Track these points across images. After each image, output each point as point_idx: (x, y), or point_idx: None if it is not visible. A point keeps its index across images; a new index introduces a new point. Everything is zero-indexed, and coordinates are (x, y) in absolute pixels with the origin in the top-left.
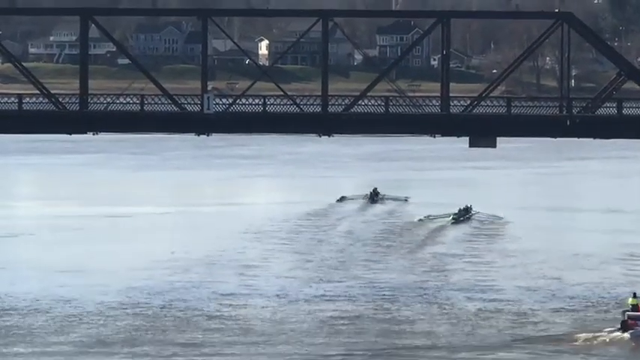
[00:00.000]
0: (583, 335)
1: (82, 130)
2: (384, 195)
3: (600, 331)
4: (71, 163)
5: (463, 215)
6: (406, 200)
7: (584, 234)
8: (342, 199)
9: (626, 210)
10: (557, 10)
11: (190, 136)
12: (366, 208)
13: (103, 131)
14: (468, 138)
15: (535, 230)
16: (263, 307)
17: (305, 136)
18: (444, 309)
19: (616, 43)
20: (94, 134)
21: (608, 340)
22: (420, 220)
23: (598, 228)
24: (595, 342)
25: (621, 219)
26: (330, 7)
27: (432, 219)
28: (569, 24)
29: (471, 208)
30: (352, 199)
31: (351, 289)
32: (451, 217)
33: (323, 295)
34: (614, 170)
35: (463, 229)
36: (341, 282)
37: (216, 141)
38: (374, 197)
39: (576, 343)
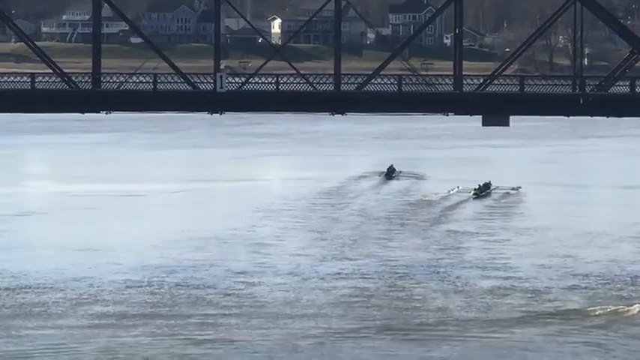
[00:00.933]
0: (597, 310)
1: (95, 109)
2: (401, 172)
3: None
4: (86, 142)
5: (484, 190)
6: (422, 177)
7: (598, 211)
8: (360, 176)
9: (638, 188)
10: None
11: (205, 115)
12: (382, 185)
13: (116, 110)
14: (480, 116)
15: (549, 208)
16: (277, 285)
17: (318, 114)
18: (458, 286)
19: (629, 22)
20: (106, 113)
21: (622, 315)
22: (442, 195)
23: (612, 206)
24: (609, 317)
25: (635, 197)
26: None
27: (454, 193)
28: (582, 2)
29: (490, 184)
30: (369, 175)
31: (366, 266)
32: (472, 193)
33: (338, 273)
34: (628, 148)
35: (477, 206)
36: (356, 259)
37: (232, 120)
38: (390, 174)
39: (590, 319)
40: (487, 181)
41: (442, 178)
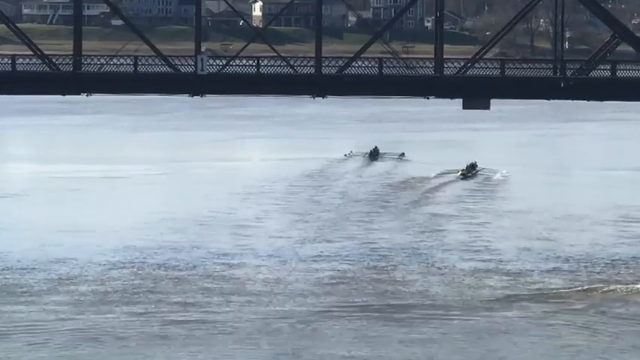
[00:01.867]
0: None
1: (76, 91)
2: (385, 153)
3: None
4: (68, 124)
5: (470, 171)
6: (406, 158)
7: (580, 195)
8: (344, 156)
9: (620, 171)
10: None
11: (188, 97)
12: (366, 166)
13: (97, 92)
14: (461, 100)
15: (531, 190)
16: (258, 266)
17: (301, 97)
18: (439, 268)
19: (610, 5)
20: (87, 95)
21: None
22: (428, 177)
23: (593, 189)
24: (590, 299)
25: (615, 180)
26: None
27: (442, 174)
28: None
29: (476, 165)
30: (353, 156)
31: (347, 248)
32: (460, 173)
33: (319, 255)
34: (608, 132)
35: (459, 188)
36: (338, 241)
37: (214, 102)
38: (374, 155)
39: (571, 301)
40: (473, 162)
41: (426, 160)
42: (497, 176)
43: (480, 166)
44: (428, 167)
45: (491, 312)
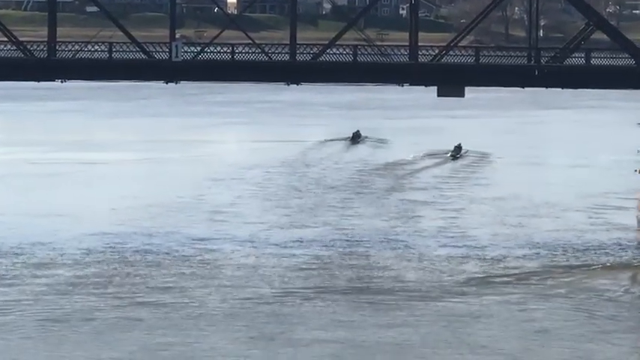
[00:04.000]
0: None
1: (50, 78)
2: (366, 137)
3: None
4: (45, 110)
5: (458, 152)
6: (387, 142)
7: (556, 182)
8: (324, 141)
9: (595, 158)
10: None
11: (167, 84)
12: (348, 150)
13: (71, 79)
14: (436, 87)
15: (507, 177)
16: (235, 251)
17: (279, 84)
18: (415, 254)
19: None
20: (62, 82)
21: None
22: (420, 157)
23: (568, 176)
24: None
25: (590, 167)
26: None
27: (432, 156)
28: None
29: (461, 147)
30: (335, 140)
31: (324, 233)
32: (450, 155)
33: (296, 240)
34: (586, 120)
35: (438, 172)
36: (316, 226)
37: (193, 89)
38: (356, 139)
39: (545, 286)
40: (458, 144)
41: (406, 143)
42: (477, 162)
43: (465, 147)
44: (414, 150)
45: (467, 297)
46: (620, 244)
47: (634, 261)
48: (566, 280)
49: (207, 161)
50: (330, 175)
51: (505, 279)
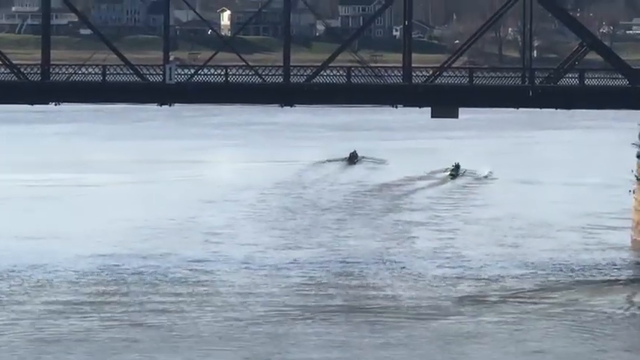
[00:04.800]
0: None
1: (44, 101)
2: (363, 157)
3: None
4: (41, 132)
5: (457, 171)
6: (384, 162)
7: (550, 202)
8: (322, 161)
9: (590, 179)
10: None
11: (160, 107)
12: (345, 170)
13: (65, 101)
14: (430, 108)
15: (503, 197)
16: (230, 272)
17: (270, 106)
18: (410, 274)
19: (578, 14)
20: (55, 104)
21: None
22: (419, 176)
23: (563, 196)
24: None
25: (584, 188)
26: None
27: (431, 175)
28: None
29: (459, 166)
30: (332, 160)
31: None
32: (449, 173)
33: (292, 262)
34: (580, 140)
35: (433, 193)
36: (311, 248)
37: (189, 111)
38: (353, 159)
39: (540, 304)
40: (457, 163)
41: (404, 163)
42: (473, 183)
43: (463, 167)
44: (412, 170)
45: (462, 316)
46: (614, 264)
47: (629, 280)
48: (561, 299)
49: (203, 183)
50: (326, 196)
51: (501, 299)
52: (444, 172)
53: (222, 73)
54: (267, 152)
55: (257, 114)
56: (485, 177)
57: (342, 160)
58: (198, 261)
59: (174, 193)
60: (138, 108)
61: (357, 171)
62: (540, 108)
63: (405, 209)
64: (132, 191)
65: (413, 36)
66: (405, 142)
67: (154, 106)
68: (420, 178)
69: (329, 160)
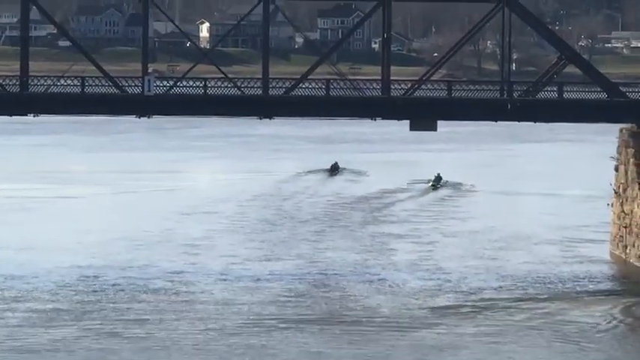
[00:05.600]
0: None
1: (23, 112)
2: (344, 168)
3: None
4: (21, 144)
5: (438, 182)
6: (365, 174)
7: (529, 215)
8: (303, 172)
9: (568, 191)
10: None
11: (142, 118)
12: (326, 181)
13: (44, 113)
14: (408, 121)
15: (482, 210)
16: (208, 284)
17: (250, 118)
18: (388, 286)
19: (557, 27)
20: (34, 116)
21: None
22: (400, 188)
23: (541, 209)
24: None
25: (563, 201)
26: None
27: (414, 184)
28: (510, 7)
29: (441, 177)
30: (313, 171)
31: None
32: (430, 184)
33: (271, 273)
34: (558, 153)
35: (412, 205)
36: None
37: (168, 122)
38: (334, 171)
39: (518, 317)
40: (438, 174)
41: (385, 175)
42: (462, 186)
43: (444, 178)
44: (393, 182)
45: (440, 328)
46: (593, 277)
47: (606, 293)
48: (540, 312)
49: (183, 195)
50: (306, 208)
51: (478, 311)
52: (426, 183)
53: (201, 85)
54: (248, 164)
55: (238, 126)
56: (466, 188)
57: (324, 171)
58: (177, 272)
59: (154, 204)
60: (118, 119)
61: (339, 182)
62: (519, 121)
63: (385, 221)
64: (111, 202)
65: (392, 49)
66: (385, 155)
67: (134, 118)
68: (402, 190)
69: (310, 172)
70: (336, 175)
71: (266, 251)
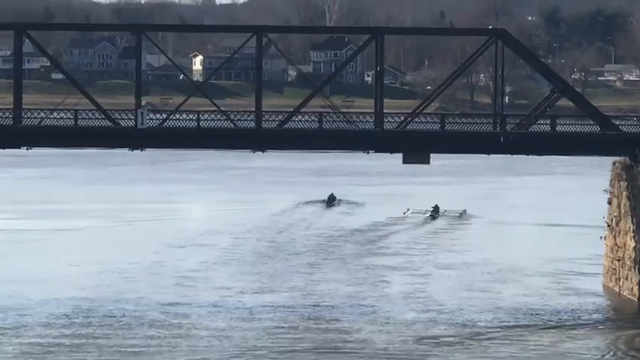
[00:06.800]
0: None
1: (16, 145)
2: (341, 200)
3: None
4: (15, 177)
5: (437, 211)
6: (362, 205)
7: (522, 248)
8: (300, 204)
9: (561, 224)
10: (490, 27)
11: (137, 151)
12: (324, 213)
13: (37, 146)
14: (401, 154)
15: (474, 242)
16: (203, 316)
17: (245, 151)
18: (382, 318)
19: (550, 60)
20: (27, 149)
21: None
22: (398, 218)
23: (535, 242)
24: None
25: (556, 234)
26: (264, 23)
27: (413, 214)
28: (503, 40)
29: (438, 208)
30: (311, 203)
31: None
32: (429, 214)
33: (265, 305)
34: (552, 186)
35: (407, 237)
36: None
37: (164, 155)
38: (331, 202)
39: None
40: (436, 205)
41: (381, 207)
42: (458, 217)
43: (442, 208)
44: (390, 213)
45: (433, 359)
46: (586, 309)
47: (600, 325)
48: (533, 344)
49: (178, 227)
50: (303, 241)
51: (472, 342)
52: (424, 213)
53: (194, 118)
54: (243, 196)
55: (233, 159)
56: (462, 219)
57: (321, 202)
58: (172, 304)
59: (148, 236)
60: (113, 152)
61: (335, 214)
62: (512, 154)
63: (381, 253)
64: (106, 235)
65: (385, 82)
66: (381, 187)
67: (128, 151)
68: (400, 222)
69: (308, 203)
70: (333, 206)
71: (260, 283)
